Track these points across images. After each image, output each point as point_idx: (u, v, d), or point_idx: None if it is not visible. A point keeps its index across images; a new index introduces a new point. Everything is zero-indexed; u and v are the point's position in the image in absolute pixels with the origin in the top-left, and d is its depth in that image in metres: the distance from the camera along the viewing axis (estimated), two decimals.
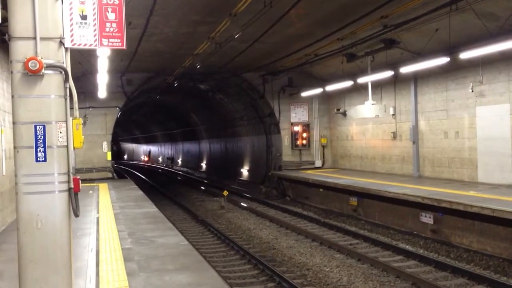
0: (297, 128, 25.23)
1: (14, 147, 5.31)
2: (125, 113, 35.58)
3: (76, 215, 5.56)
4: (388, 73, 17.28)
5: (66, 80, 5.42)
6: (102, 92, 20.78)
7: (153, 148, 65.80)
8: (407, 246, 13.27)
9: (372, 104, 18.38)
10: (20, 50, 5.24)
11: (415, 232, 14.39)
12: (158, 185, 32.21)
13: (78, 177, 5.57)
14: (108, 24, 5.78)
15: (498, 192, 13.23)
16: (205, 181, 34.97)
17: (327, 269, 11.53)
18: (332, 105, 24.78)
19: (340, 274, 11.12)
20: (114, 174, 25.27)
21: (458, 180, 16.22)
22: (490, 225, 11.81)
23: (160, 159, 61.21)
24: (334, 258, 12.47)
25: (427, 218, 13.88)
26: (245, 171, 30.90)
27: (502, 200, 11.92)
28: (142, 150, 72.52)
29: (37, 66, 5.17)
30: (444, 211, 13.01)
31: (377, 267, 11.39)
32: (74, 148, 5.59)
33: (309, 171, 23.68)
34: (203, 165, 41.00)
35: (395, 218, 15.52)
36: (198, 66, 21.08)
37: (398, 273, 10.72)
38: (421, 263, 11.64)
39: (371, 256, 12.30)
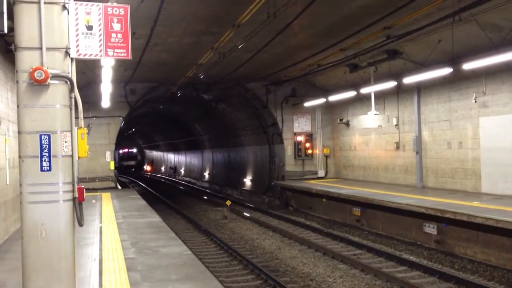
0: (300, 138, 25.24)
1: (19, 156, 5.34)
2: (128, 122, 35.63)
3: (81, 224, 5.57)
4: (391, 84, 17.30)
5: (71, 90, 5.46)
6: (105, 102, 20.85)
7: (156, 157, 65.93)
8: (410, 257, 13.22)
9: (375, 114, 18.39)
10: (26, 60, 5.29)
11: (418, 243, 14.34)
12: (161, 195, 32.18)
13: (83, 186, 5.59)
14: (113, 35, 5.83)
15: (502, 202, 13.19)
16: (207, 190, 34.92)
17: (330, 280, 11.48)
18: (335, 115, 24.80)
19: (343, 284, 11.07)
20: (117, 184, 25.28)
21: (461, 191, 16.18)
22: (494, 236, 11.76)
23: (162, 168, 61.20)
24: (338, 269, 12.42)
25: (430, 229, 13.83)
26: (248, 181, 30.87)
27: (506, 210, 11.87)
28: (146, 160, 72.72)
29: (43, 76, 5.21)
30: (448, 222, 12.96)
31: (380, 278, 11.34)
32: (78, 157, 5.61)
33: (312, 181, 23.64)
34: (206, 174, 40.97)
35: (398, 228, 15.47)
36: (202, 76, 21.14)
37: (402, 284, 10.67)
38: (425, 274, 11.58)
39: (375, 266, 12.25)
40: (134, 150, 75.35)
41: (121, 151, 71.15)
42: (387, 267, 12.34)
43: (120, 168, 68.51)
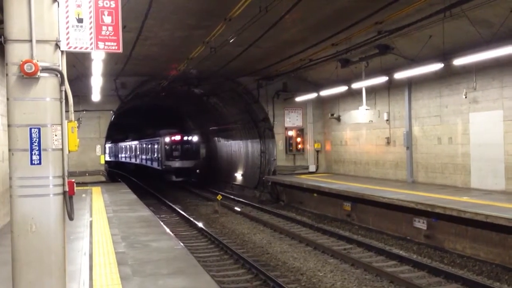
0: (291, 133, 25.26)
1: (9, 150, 5.29)
2: (119, 116, 35.23)
3: (71, 218, 5.54)
4: (382, 79, 17.35)
5: (61, 83, 5.42)
6: (96, 95, 20.73)
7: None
8: (400, 252, 13.30)
9: (366, 109, 18.43)
10: (16, 52, 5.24)
11: (408, 238, 14.43)
12: (152, 189, 32.08)
13: (73, 180, 5.56)
14: (104, 28, 5.78)
15: (491, 198, 13.28)
16: (199, 185, 34.82)
17: (321, 274, 11.53)
18: (326, 110, 24.84)
19: (334, 279, 11.12)
20: (107, 178, 25.17)
21: (451, 186, 16.27)
22: (483, 231, 11.85)
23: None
24: (328, 263, 12.47)
25: (420, 224, 13.91)
26: (239, 175, 30.87)
27: (495, 206, 11.96)
28: None
29: (33, 69, 5.17)
30: (438, 217, 13.05)
31: (371, 272, 11.40)
32: (69, 151, 5.57)
33: (303, 176, 23.69)
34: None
35: (388, 223, 15.55)
36: (191, 71, 21.07)
37: (391, 278, 10.74)
38: (415, 268, 11.65)
39: (365, 261, 12.31)
40: (194, 139, 37.75)
41: (167, 139, 36.59)
42: (377, 262, 12.41)
43: (160, 175, 37.23)
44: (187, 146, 37.00)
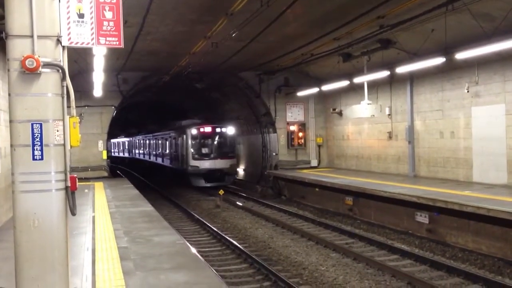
0: (293, 128, 25.26)
1: (11, 145, 5.30)
2: (121, 111, 35.09)
3: (73, 213, 5.56)
4: (384, 73, 17.32)
5: (63, 78, 5.42)
6: (97, 91, 20.75)
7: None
8: (402, 246, 13.31)
9: (368, 104, 18.41)
10: (17, 48, 5.24)
11: (410, 232, 14.44)
12: (153, 184, 32.11)
13: (75, 175, 5.58)
14: (105, 23, 5.78)
15: (493, 191, 13.28)
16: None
17: (323, 268, 11.55)
18: (328, 105, 24.80)
19: (336, 273, 11.14)
20: (109, 173, 25.22)
21: (453, 180, 16.26)
22: (485, 225, 11.86)
23: None
24: (330, 257, 12.49)
25: (422, 218, 13.92)
26: (240, 170, 30.88)
27: (497, 199, 11.96)
28: None
29: (34, 65, 5.17)
30: (440, 211, 13.05)
31: (372, 266, 11.42)
32: (71, 146, 5.58)
33: (305, 171, 23.70)
34: None
35: (390, 217, 15.56)
36: (194, 65, 21.05)
37: (393, 272, 10.75)
38: (417, 262, 11.67)
39: (367, 255, 12.33)
40: (230, 131, 29.59)
41: (193, 132, 28.67)
42: (379, 256, 12.43)
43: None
44: (220, 141, 28.99)
